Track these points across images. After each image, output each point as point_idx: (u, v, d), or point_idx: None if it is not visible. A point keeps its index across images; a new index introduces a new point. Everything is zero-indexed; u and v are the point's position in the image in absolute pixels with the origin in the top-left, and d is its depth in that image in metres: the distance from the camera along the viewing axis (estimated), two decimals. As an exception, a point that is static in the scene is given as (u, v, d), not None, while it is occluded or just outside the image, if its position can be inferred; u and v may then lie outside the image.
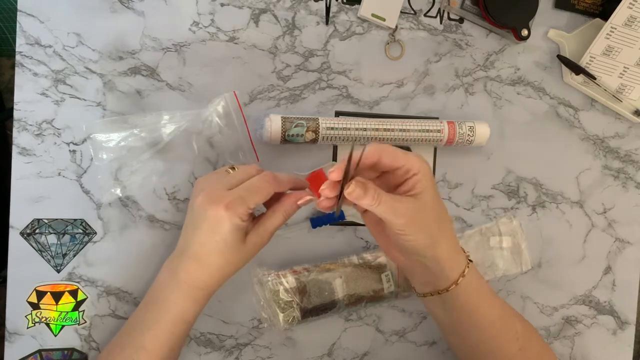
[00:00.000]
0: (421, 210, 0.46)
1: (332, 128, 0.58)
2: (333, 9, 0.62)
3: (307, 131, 0.57)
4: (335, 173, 0.44)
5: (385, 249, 0.52)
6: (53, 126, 0.55)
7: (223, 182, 0.49)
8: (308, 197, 0.50)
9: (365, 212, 0.51)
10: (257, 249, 0.50)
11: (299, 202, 0.50)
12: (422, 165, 0.46)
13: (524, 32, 0.65)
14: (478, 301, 0.52)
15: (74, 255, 0.56)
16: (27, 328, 0.55)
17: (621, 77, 0.70)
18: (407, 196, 0.46)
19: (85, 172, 0.56)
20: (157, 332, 0.50)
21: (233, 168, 0.51)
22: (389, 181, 0.48)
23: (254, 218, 0.51)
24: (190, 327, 0.52)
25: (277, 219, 0.50)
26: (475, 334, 0.53)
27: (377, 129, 0.59)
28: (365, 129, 0.59)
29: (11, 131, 0.62)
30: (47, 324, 0.55)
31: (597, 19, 0.70)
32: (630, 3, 0.65)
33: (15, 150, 0.54)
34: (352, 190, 0.44)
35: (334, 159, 0.63)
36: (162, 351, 0.50)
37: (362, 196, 0.44)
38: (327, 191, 0.45)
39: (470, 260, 0.51)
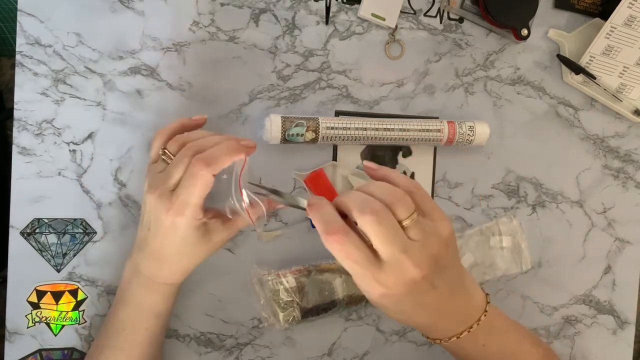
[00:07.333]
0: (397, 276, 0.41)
1: (332, 128, 0.58)
2: (333, 8, 0.62)
3: (307, 131, 0.57)
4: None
5: None
6: (53, 126, 0.55)
7: (167, 183, 0.45)
8: (281, 206, 0.48)
9: None
10: (223, 243, 0.50)
11: (277, 207, 0.49)
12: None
13: (524, 32, 0.65)
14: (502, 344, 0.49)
15: (74, 255, 0.56)
16: (27, 328, 0.55)
17: (621, 77, 0.70)
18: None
19: (85, 171, 0.56)
20: (133, 331, 0.50)
21: (165, 152, 0.47)
22: None
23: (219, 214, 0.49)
24: (165, 319, 0.52)
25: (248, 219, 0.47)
26: None
27: (377, 129, 0.59)
28: (365, 129, 0.59)
29: (11, 131, 0.62)
30: (47, 324, 0.55)
31: (597, 19, 0.70)
32: (630, 3, 0.65)
33: (15, 150, 0.54)
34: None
35: (334, 158, 0.63)
36: (140, 349, 0.50)
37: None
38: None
39: (486, 311, 0.46)
